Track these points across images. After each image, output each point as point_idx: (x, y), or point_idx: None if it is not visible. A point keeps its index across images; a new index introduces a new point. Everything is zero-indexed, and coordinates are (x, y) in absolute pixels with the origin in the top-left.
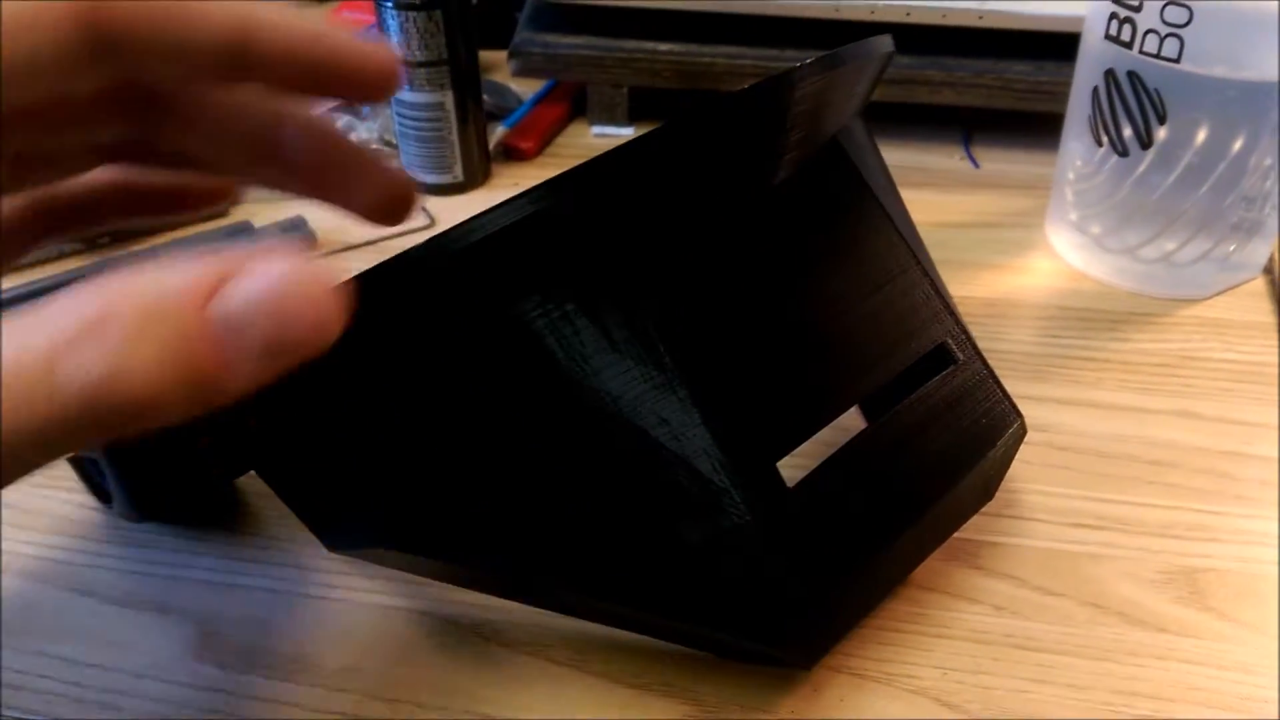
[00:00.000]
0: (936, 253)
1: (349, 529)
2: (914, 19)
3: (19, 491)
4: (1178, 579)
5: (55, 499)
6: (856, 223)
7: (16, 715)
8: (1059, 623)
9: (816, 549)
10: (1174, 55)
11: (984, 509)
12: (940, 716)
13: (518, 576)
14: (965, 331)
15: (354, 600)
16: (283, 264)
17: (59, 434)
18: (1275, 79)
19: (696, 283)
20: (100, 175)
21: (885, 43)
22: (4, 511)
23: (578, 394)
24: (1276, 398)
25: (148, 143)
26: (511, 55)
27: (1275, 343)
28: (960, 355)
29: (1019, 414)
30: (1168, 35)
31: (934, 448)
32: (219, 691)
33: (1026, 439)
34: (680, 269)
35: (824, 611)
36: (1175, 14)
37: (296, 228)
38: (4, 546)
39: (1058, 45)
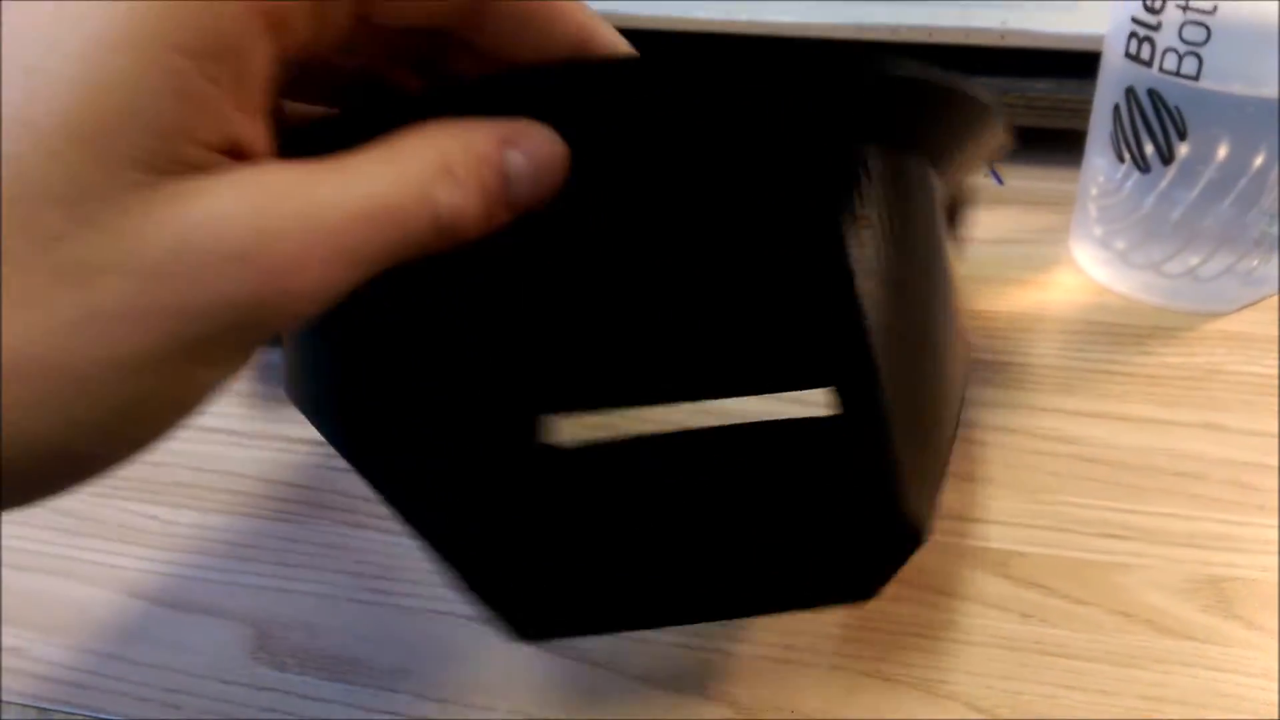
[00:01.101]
0: (962, 268)
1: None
2: (936, 39)
3: (82, 501)
4: (1204, 588)
5: (114, 508)
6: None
7: (86, 714)
8: (1087, 630)
9: None
10: (1193, 73)
11: (1017, 519)
12: (970, 718)
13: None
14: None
15: (402, 605)
16: (548, 140)
17: (418, 247)
18: None
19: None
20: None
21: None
22: (67, 520)
23: None
24: None
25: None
26: None
27: None
28: (849, 411)
29: (917, 531)
30: (1186, 54)
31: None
32: (275, 691)
33: (1055, 451)
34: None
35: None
36: (1193, 33)
37: None
38: (66, 553)
39: (1079, 63)
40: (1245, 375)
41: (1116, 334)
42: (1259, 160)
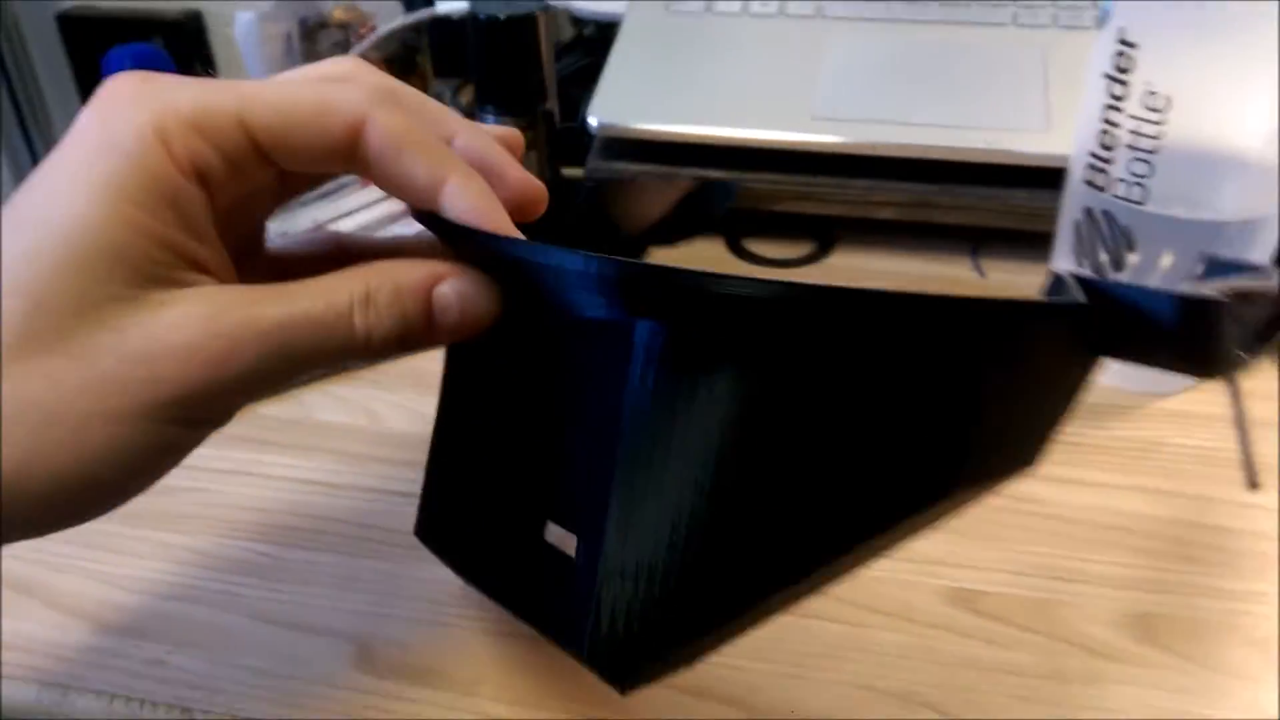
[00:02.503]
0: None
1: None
2: (930, 155)
3: (206, 539)
4: (1135, 622)
5: (235, 546)
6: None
7: (221, 715)
8: (1038, 654)
9: None
10: (1139, 199)
11: (985, 564)
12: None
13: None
14: None
15: (476, 627)
16: (476, 279)
17: (337, 356)
18: (1226, 219)
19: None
20: None
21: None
22: (193, 556)
23: None
24: (1223, 477)
25: None
26: (587, 178)
27: (1229, 432)
28: None
29: None
30: (1134, 183)
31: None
32: (373, 694)
33: (1018, 509)
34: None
35: None
36: (1139, 167)
37: None
38: (195, 582)
39: (1050, 177)
40: (1184, 447)
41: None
42: (1200, 270)
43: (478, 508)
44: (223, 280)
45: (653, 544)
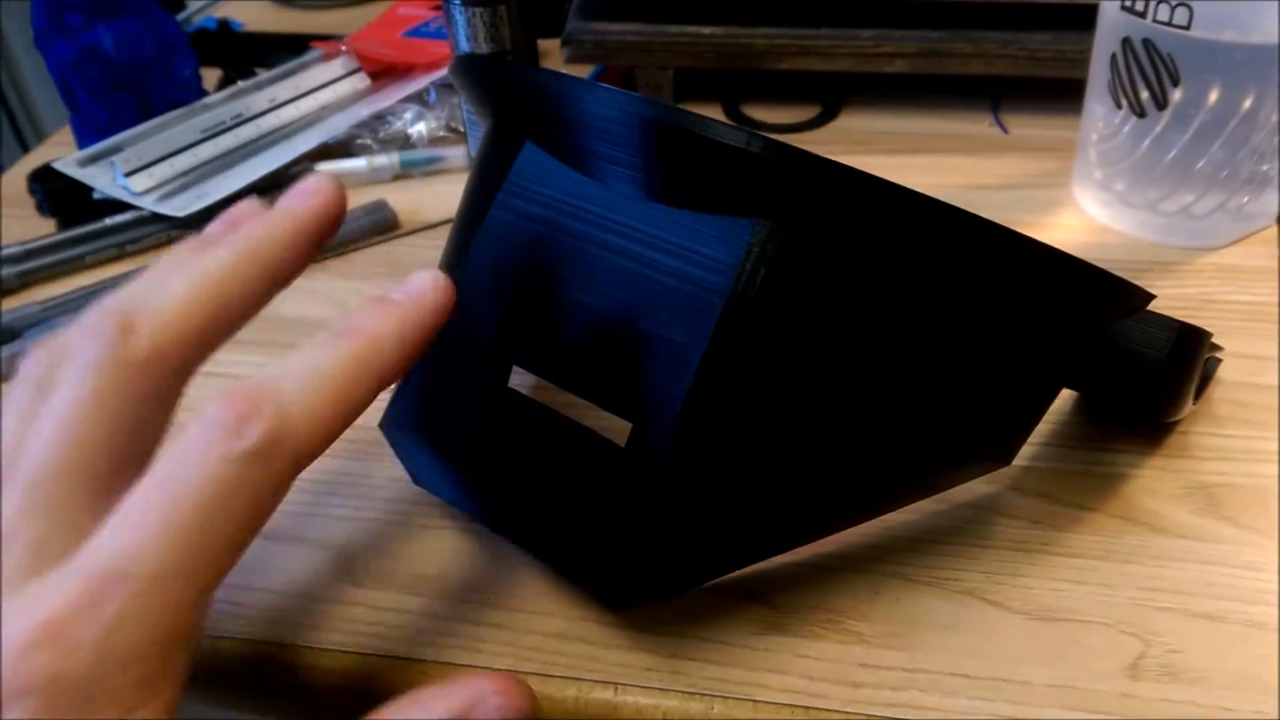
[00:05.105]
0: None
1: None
2: None
3: None
4: (1196, 493)
5: None
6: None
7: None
8: (1090, 533)
9: None
10: (1184, 23)
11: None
12: (985, 612)
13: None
14: None
15: (466, 528)
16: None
17: None
18: (1278, 42)
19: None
20: None
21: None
22: None
23: None
24: (1277, 333)
25: None
26: (564, 43)
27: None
28: None
29: None
30: (1178, 5)
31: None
32: (359, 605)
33: None
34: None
35: None
36: None
37: (379, 209)
38: None
39: (1077, 16)
40: (1236, 304)
41: (1118, 269)
42: (1248, 103)
43: (467, 393)
44: None
45: (720, 460)
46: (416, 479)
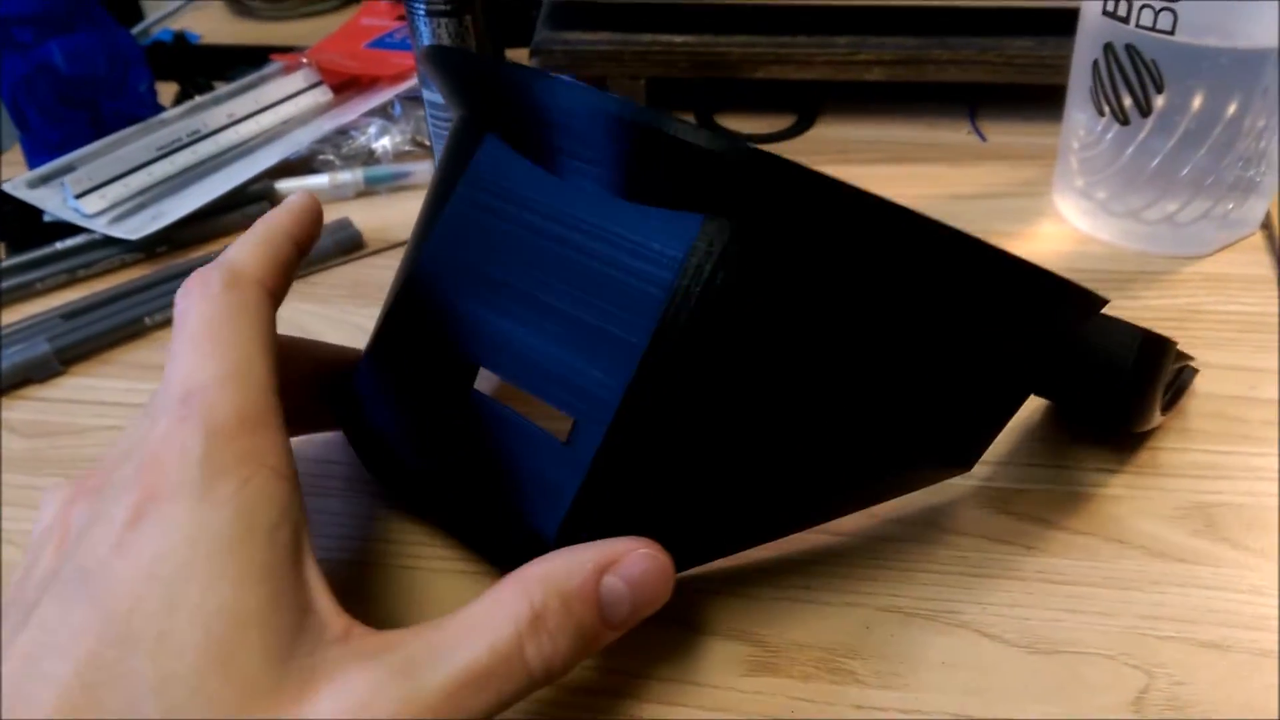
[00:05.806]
0: (949, 223)
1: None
2: (919, 1)
3: None
4: (1193, 514)
5: None
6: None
7: None
8: (1086, 558)
9: None
10: (1168, 28)
11: (1016, 459)
12: (982, 647)
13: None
14: None
15: (430, 568)
16: (644, 559)
17: (517, 697)
18: (1265, 46)
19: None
20: None
21: None
22: None
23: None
24: (1277, 345)
25: None
26: (533, 53)
27: (1275, 293)
28: None
29: None
30: (1162, 9)
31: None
32: None
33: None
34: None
35: None
36: None
37: (343, 228)
38: None
39: (1057, 21)
40: (1223, 314)
41: (1101, 280)
42: (1232, 109)
43: (418, 383)
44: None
45: (661, 451)
46: (369, 468)
